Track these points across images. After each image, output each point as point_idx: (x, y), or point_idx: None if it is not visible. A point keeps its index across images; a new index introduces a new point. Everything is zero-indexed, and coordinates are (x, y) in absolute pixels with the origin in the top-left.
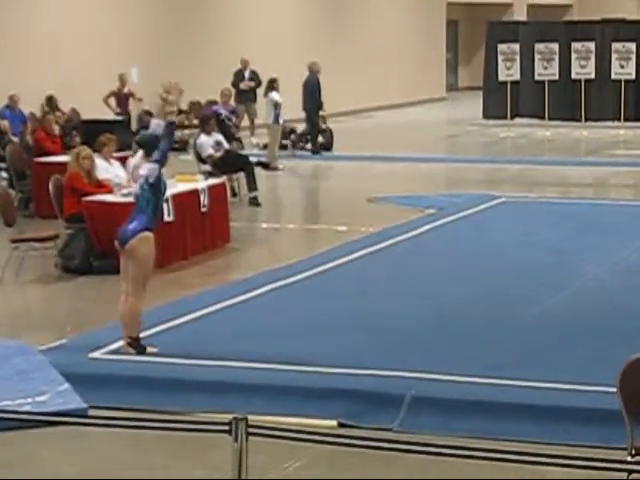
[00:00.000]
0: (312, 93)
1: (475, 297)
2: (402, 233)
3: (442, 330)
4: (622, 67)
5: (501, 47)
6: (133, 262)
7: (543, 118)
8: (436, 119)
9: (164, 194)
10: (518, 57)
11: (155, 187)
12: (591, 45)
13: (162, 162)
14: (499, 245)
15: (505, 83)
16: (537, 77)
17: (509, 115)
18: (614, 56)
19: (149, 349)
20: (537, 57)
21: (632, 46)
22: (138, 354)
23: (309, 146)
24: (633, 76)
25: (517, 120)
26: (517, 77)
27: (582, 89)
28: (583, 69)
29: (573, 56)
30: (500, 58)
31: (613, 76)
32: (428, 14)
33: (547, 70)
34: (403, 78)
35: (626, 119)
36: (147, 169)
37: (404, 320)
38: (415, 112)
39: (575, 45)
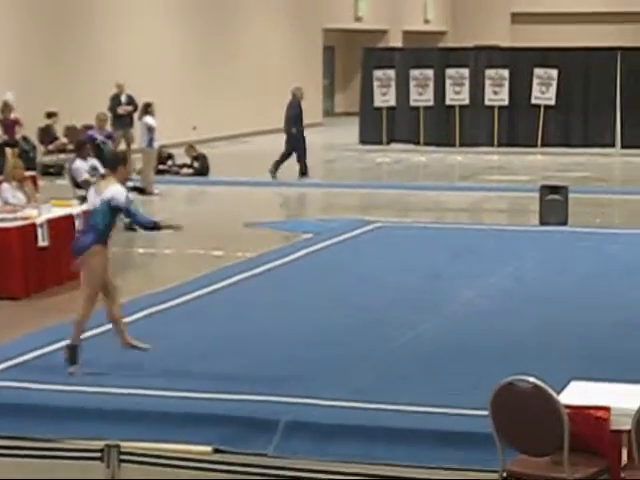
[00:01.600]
0: (295, 117)
1: (351, 321)
2: (278, 258)
3: (317, 355)
4: (495, 93)
5: (377, 73)
6: (85, 273)
7: (418, 143)
8: (313, 144)
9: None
10: (393, 83)
11: (116, 211)
12: (465, 71)
13: (128, 214)
14: (375, 270)
15: (381, 109)
16: (412, 103)
17: (385, 140)
18: (487, 82)
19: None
20: (412, 83)
21: (505, 73)
22: (71, 363)
23: (184, 171)
24: (506, 102)
25: (393, 145)
26: (393, 103)
27: (456, 115)
28: (457, 95)
29: (447, 82)
30: (376, 84)
31: (486, 102)
32: (305, 40)
33: (422, 96)
34: (280, 103)
35: (499, 145)
36: (115, 193)
37: (280, 345)
38: None
39: (449, 71)
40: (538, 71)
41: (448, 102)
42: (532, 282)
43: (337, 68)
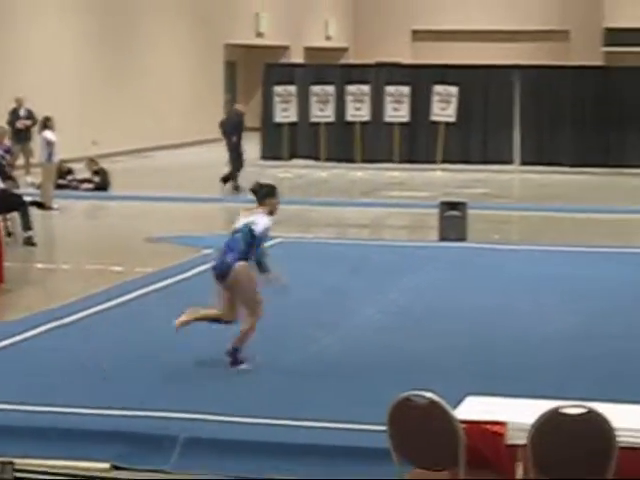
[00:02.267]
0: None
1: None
2: (179, 273)
3: (215, 371)
4: (396, 110)
5: (277, 89)
6: (238, 290)
7: (319, 159)
8: (215, 160)
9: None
10: (294, 99)
11: (256, 238)
12: (366, 88)
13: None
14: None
15: (282, 124)
16: (313, 119)
17: (286, 156)
18: (388, 99)
19: (243, 366)
20: (313, 99)
21: (405, 89)
22: (232, 365)
23: (84, 185)
24: (407, 119)
25: (294, 161)
26: (294, 119)
27: (357, 131)
28: (358, 111)
29: (348, 99)
30: (277, 100)
31: (387, 119)
32: (206, 55)
33: (323, 112)
34: (182, 118)
35: (400, 161)
36: (258, 219)
37: (179, 361)
38: (194, 152)
39: (350, 88)
40: (438, 88)
41: (349, 118)
42: (432, 298)
43: (239, 83)
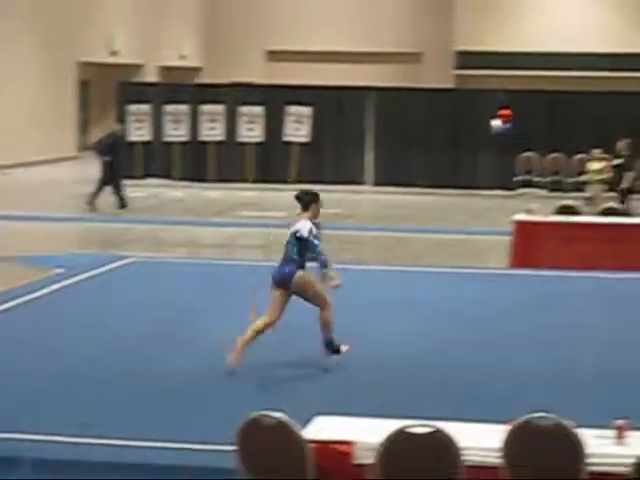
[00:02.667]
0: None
1: (102, 357)
2: (28, 293)
3: (66, 391)
4: (250, 130)
5: (131, 108)
6: (308, 293)
7: (173, 178)
8: (68, 178)
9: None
10: (148, 118)
11: (302, 241)
12: (220, 108)
13: (312, 248)
14: (129, 305)
15: (135, 143)
16: (166, 138)
17: (140, 175)
18: (242, 119)
19: (342, 348)
20: (167, 118)
21: (259, 110)
22: (333, 353)
23: None
24: (261, 139)
25: (148, 180)
26: (148, 138)
27: (211, 151)
28: (212, 131)
29: (202, 118)
30: (131, 119)
31: (241, 139)
32: (60, 73)
33: (176, 131)
34: (36, 136)
35: (254, 181)
36: (301, 226)
37: (29, 382)
38: (47, 171)
39: (204, 107)
40: (291, 109)
41: (203, 138)
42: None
43: (92, 102)
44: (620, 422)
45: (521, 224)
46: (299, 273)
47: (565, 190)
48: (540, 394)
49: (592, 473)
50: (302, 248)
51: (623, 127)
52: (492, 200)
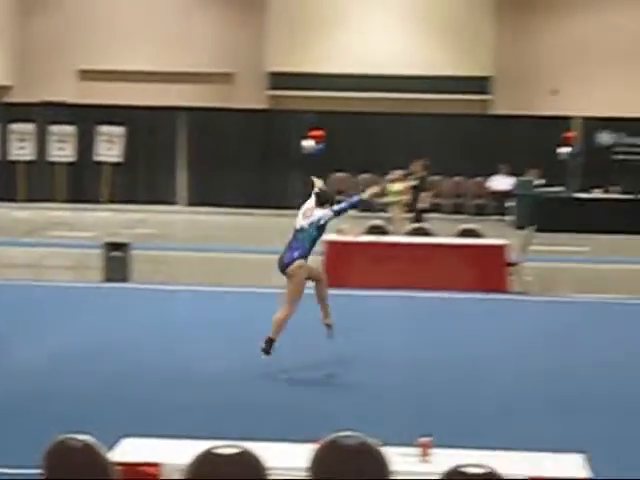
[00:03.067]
0: None
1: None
2: None
3: None
4: (61, 149)
5: None
6: (291, 282)
7: None
8: None
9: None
10: None
11: (321, 229)
12: (30, 127)
13: (337, 214)
14: None
15: None
16: None
17: None
18: (53, 138)
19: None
20: None
21: (70, 129)
22: (266, 353)
23: None
24: (72, 158)
25: None
26: None
27: (21, 170)
28: (22, 150)
29: (12, 137)
30: None
31: (52, 158)
32: None
33: None
34: None
35: (65, 201)
36: (322, 214)
37: None
38: None
39: (14, 126)
40: (104, 128)
41: (12, 157)
42: (89, 339)
43: None
44: (424, 440)
45: (331, 244)
46: (298, 263)
47: (373, 210)
48: (347, 413)
49: None
50: (319, 236)
51: (430, 148)
52: None
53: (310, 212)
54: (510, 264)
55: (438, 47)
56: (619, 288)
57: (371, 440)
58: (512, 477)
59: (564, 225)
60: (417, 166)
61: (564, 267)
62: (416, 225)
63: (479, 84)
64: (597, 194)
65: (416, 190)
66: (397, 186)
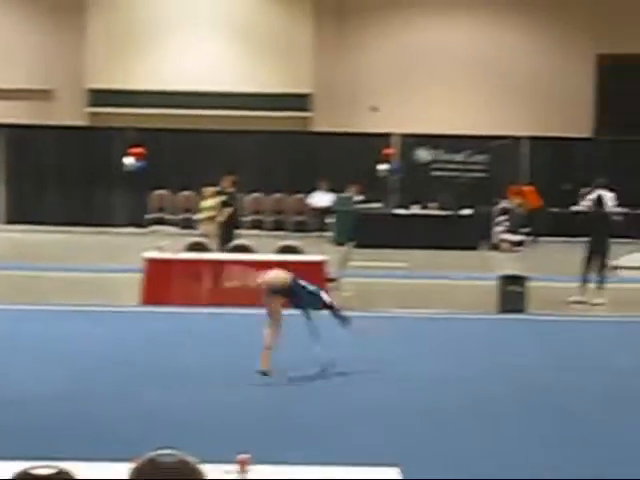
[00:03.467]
0: None
1: None
2: None
3: None
4: None
5: None
6: (275, 310)
7: None
8: None
9: None
10: None
11: None
12: None
13: None
14: None
15: None
16: None
17: None
18: None
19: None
20: None
21: None
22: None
23: None
24: None
25: None
26: None
27: None
28: None
29: None
30: None
31: None
32: None
33: None
34: None
35: None
36: None
37: None
38: None
39: None
40: None
41: None
42: None
43: None
44: (242, 457)
45: (151, 261)
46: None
47: (193, 227)
48: (169, 432)
49: None
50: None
51: (252, 165)
52: (125, 238)
53: None
54: (330, 280)
55: (259, 64)
56: (437, 303)
57: (189, 458)
58: None
59: (383, 241)
60: (226, 182)
61: (383, 282)
62: (237, 242)
63: (300, 101)
64: (415, 210)
65: (225, 206)
66: (209, 202)
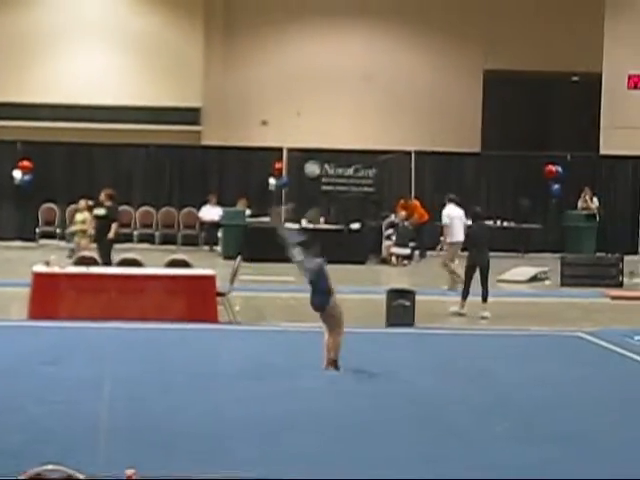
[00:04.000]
0: None
1: None
2: None
3: None
4: None
5: None
6: (332, 320)
7: None
8: None
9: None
10: None
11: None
12: None
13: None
14: None
15: None
16: None
17: None
18: None
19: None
20: None
21: None
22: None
23: None
24: None
25: None
26: None
27: None
28: None
29: None
30: None
31: None
32: None
33: None
34: None
35: None
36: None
37: None
38: None
39: None
40: None
41: None
42: None
43: None
44: (129, 471)
45: (39, 275)
46: (334, 303)
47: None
48: (55, 447)
49: None
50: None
51: (142, 178)
52: (14, 252)
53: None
54: (219, 294)
55: (149, 78)
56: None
57: (76, 474)
58: None
59: (272, 255)
60: (104, 196)
61: (272, 296)
62: (127, 256)
63: (190, 115)
64: (305, 224)
65: (103, 220)
66: (81, 216)
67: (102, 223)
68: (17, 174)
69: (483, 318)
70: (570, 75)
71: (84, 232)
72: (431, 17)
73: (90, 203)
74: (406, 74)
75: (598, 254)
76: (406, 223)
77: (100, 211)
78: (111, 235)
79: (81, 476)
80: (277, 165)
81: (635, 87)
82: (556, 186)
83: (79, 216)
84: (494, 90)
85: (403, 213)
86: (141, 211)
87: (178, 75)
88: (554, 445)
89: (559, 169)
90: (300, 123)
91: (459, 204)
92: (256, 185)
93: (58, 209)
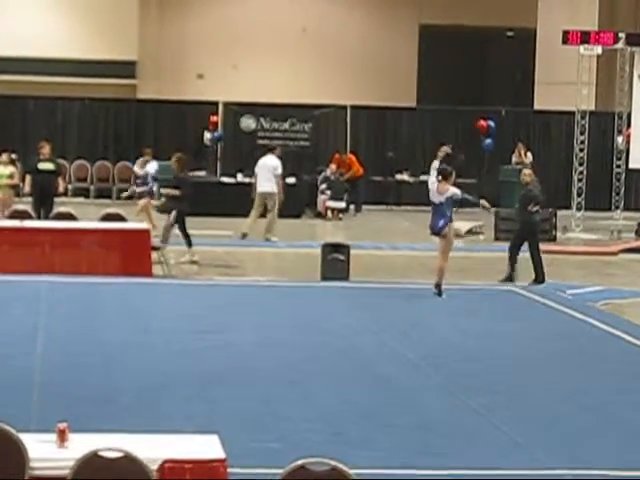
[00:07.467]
0: None
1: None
2: None
3: None
4: None
5: None
6: (444, 240)
7: None
8: None
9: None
10: None
11: (455, 202)
12: None
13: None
14: None
15: None
16: None
17: None
18: None
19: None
20: None
21: None
22: (440, 295)
23: None
24: None
25: None
26: None
27: None
28: None
29: None
30: None
31: None
32: None
33: None
34: None
35: None
36: (456, 191)
37: None
38: None
39: None
40: None
41: None
42: None
43: None
44: (61, 425)
45: None
46: (450, 227)
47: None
48: None
49: (34, 477)
50: (453, 207)
51: (77, 132)
52: None
53: (442, 189)
54: (154, 248)
55: (84, 30)
56: (262, 271)
57: (6, 427)
58: (148, 459)
59: (209, 209)
60: (44, 149)
61: (209, 251)
62: (61, 209)
63: (125, 68)
64: (241, 179)
65: (51, 174)
66: (6, 169)
67: (50, 178)
68: None
69: None
70: (505, 30)
71: (9, 186)
72: None
73: (13, 156)
74: (342, 28)
75: None
76: (341, 177)
77: (48, 165)
78: (61, 190)
79: (10, 430)
80: (213, 119)
81: (569, 42)
82: (488, 141)
83: (4, 170)
84: (430, 45)
85: (333, 167)
86: (76, 165)
87: (114, 28)
88: (482, 397)
89: (491, 124)
90: (236, 77)
91: (280, 157)
92: (192, 139)
93: None
